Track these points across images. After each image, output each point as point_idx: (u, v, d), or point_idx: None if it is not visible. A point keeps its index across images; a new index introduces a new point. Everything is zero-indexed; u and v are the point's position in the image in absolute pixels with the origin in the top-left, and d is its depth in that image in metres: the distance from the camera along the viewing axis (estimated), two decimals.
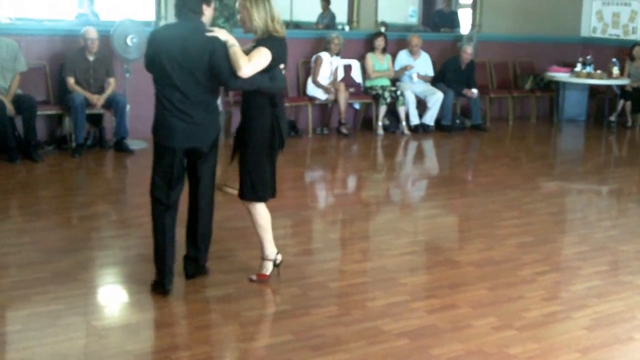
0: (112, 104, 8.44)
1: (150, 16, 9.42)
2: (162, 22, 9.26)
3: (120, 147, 8.47)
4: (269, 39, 4.46)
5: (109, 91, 8.46)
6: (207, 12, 4.48)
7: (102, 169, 8.25)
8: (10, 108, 7.82)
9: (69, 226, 6.02)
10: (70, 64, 8.38)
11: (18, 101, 7.93)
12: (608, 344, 4.16)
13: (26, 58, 8.19)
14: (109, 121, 8.65)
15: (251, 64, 4.32)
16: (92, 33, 8.40)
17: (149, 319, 4.35)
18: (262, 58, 4.38)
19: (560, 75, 11.43)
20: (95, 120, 8.65)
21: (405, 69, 10.68)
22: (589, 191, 8.06)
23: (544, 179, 8.32)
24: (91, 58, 8.45)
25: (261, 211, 4.71)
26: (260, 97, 4.51)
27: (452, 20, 12.31)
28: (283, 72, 4.62)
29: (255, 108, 4.55)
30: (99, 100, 8.33)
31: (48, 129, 8.63)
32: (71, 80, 8.34)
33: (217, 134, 4.63)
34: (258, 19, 4.45)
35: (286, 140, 4.74)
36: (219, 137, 4.73)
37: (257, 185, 4.61)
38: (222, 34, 4.40)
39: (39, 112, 8.07)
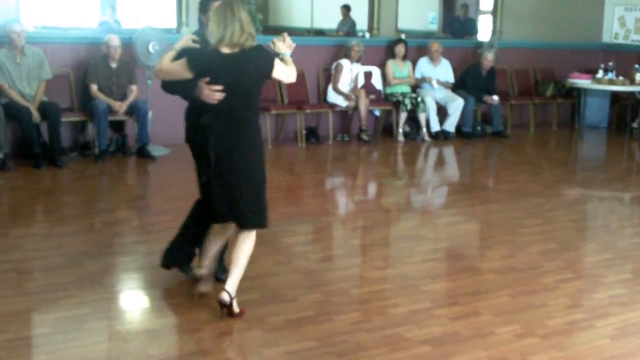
0: (134, 110, 8.51)
1: (172, 23, 9.48)
2: (184, 29, 9.33)
3: (143, 154, 8.53)
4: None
5: (131, 98, 8.54)
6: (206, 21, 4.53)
7: (125, 175, 8.32)
8: (36, 115, 7.91)
9: (93, 231, 6.07)
10: (93, 70, 8.47)
11: (43, 108, 8.02)
12: (633, 354, 4.13)
13: (51, 66, 8.28)
14: (132, 128, 8.72)
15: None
16: (115, 41, 8.49)
17: (171, 324, 4.38)
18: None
19: (582, 81, 11.37)
20: (118, 126, 8.73)
21: (425, 79, 10.69)
22: (611, 198, 8.01)
23: (566, 186, 8.29)
24: (114, 65, 8.52)
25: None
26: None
27: (469, 27, 12.31)
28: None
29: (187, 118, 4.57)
30: (121, 107, 8.40)
31: (72, 135, 8.71)
32: (94, 87, 8.42)
33: None
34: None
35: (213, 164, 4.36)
36: None
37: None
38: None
39: (63, 119, 8.15)
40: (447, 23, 13.84)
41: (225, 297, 4.32)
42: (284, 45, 4.52)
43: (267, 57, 4.37)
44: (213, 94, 4.27)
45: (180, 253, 4.89)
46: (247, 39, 4.27)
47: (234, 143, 4.32)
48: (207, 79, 4.26)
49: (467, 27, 12.35)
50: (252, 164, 4.41)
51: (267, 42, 4.67)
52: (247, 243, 4.41)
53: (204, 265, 4.57)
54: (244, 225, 4.40)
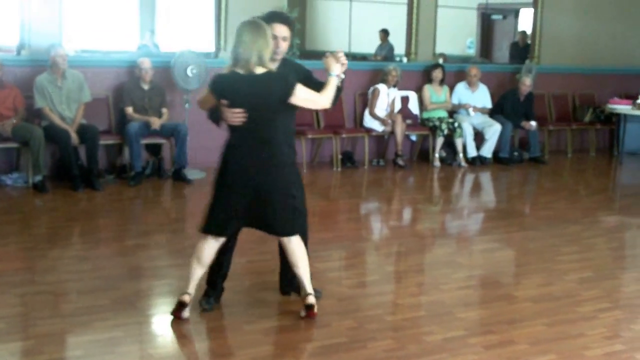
0: (173, 132, 8.59)
1: (210, 47, 9.57)
2: (222, 53, 9.41)
3: (179, 177, 8.58)
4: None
5: (163, 119, 8.63)
6: None
7: (161, 199, 8.38)
8: (74, 137, 8.02)
9: (128, 254, 6.10)
10: (127, 93, 8.60)
11: (82, 131, 8.13)
12: None
13: (90, 89, 8.41)
14: (168, 151, 8.79)
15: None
16: (146, 63, 8.64)
17: (204, 349, 4.38)
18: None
19: (622, 107, 11.25)
20: (155, 149, 8.81)
21: (462, 106, 10.66)
22: None
23: (604, 213, 8.16)
24: (146, 87, 8.66)
25: (200, 242, 4.63)
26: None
27: (527, 54, 12.18)
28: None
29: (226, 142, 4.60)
30: (156, 122, 8.47)
31: (109, 158, 8.82)
32: (129, 109, 8.55)
33: None
34: None
35: (250, 183, 4.46)
36: None
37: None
38: None
39: (100, 142, 8.25)
40: (510, 49, 13.82)
41: (311, 299, 4.56)
42: (336, 63, 4.55)
43: (280, 84, 4.39)
44: (234, 116, 4.33)
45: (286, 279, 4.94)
46: (255, 63, 4.31)
47: (262, 164, 4.42)
48: (226, 102, 4.35)
49: (526, 53, 12.25)
50: (286, 185, 4.53)
51: (308, 66, 4.69)
52: (291, 246, 4.57)
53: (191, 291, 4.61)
54: (273, 233, 4.59)
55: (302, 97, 4.43)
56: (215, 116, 4.55)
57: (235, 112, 4.33)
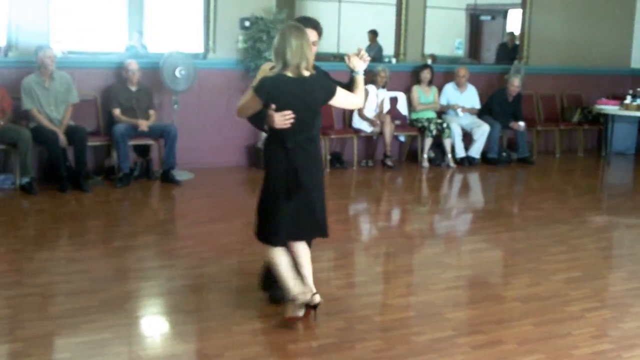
0: (162, 133, 8.58)
1: (199, 48, 9.55)
2: (211, 54, 9.41)
3: (167, 178, 8.57)
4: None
5: (151, 120, 8.62)
6: None
7: (149, 200, 8.36)
8: (62, 139, 7.99)
9: (116, 256, 6.09)
10: (114, 95, 8.60)
11: (70, 132, 8.10)
12: None
13: (78, 90, 8.38)
14: (156, 152, 8.77)
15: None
16: (133, 65, 8.64)
17: (193, 350, 4.37)
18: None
19: (610, 107, 11.29)
20: (143, 151, 8.79)
21: (450, 107, 10.68)
22: (639, 226, 7.91)
23: (592, 213, 8.20)
24: (133, 89, 8.66)
25: (273, 254, 4.62)
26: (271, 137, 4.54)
27: (516, 55, 12.20)
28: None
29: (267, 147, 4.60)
30: (143, 124, 8.46)
31: (98, 159, 8.79)
32: (117, 111, 8.54)
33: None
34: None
35: (303, 183, 4.50)
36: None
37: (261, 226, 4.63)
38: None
39: (88, 143, 8.23)
40: (497, 49, 13.83)
41: (317, 297, 4.58)
42: (359, 61, 4.67)
43: (324, 86, 4.54)
44: (284, 119, 4.36)
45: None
46: (304, 67, 4.41)
47: (309, 163, 4.53)
48: (274, 106, 4.37)
49: (515, 54, 12.28)
50: (320, 182, 4.66)
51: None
52: (307, 250, 4.66)
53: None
54: (317, 235, 4.68)
55: (341, 98, 4.59)
56: (260, 121, 4.54)
57: (285, 115, 4.37)
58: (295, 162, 4.46)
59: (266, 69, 4.65)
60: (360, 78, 4.70)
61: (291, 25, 4.52)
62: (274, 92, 4.39)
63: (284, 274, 4.57)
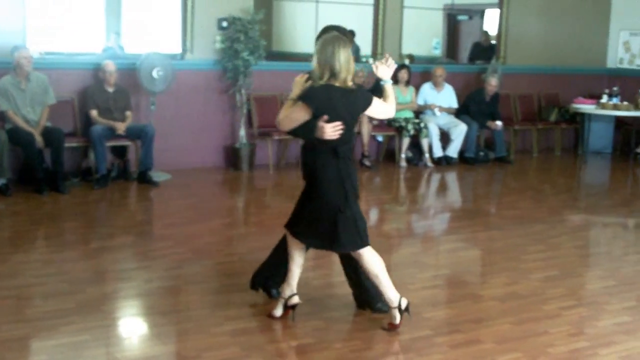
0: (140, 134, 8.53)
1: (176, 49, 9.52)
2: (188, 55, 9.38)
3: (144, 179, 8.53)
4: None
5: (127, 122, 8.57)
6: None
7: (127, 201, 8.31)
8: (39, 140, 7.94)
9: (94, 257, 6.05)
10: (90, 96, 8.55)
11: (47, 133, 8.04)
12: None
13: (55, 91, 8.32)
14: (133, 153, 8.73)
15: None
16: (110, 66, 8.59)
17: (171, 351, 4.35)
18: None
19: (586, 107, 11.38)
20: (120, 152, 8.75)
21: (427, 107, 10.72)
22: (616, 224, 7.98)
23: (570, 212, 8.25)
24: (110, 90, 8.61)
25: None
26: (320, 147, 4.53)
27: (491, 54, 12.26)
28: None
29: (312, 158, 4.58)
30: (120, 126, 8.42)
31: (75, 161, 8.73)
32: (94, 112, 8.48)
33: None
34: None
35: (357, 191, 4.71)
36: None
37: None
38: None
39: (65, 144, 8.17)
40: (472, 48, 13.82)
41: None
42: (387, 69, 4.69)
43: (364, 97, 4.57)
44: (334, 129, 4.38)
45: (270, 275, 4.97)
46: (350, 78, 4.45)
47: (348, 172, 4.55)
48: (326, 117, 4.37)
49: (489, 53, 12.33)
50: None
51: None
52: (363, 262, 4.67)
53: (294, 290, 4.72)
54: (347, 250, 4.70)
55: (377, 107, 4.63)
56: (309, 132, 4.46)
57: (336, 126, 4.38)
58: (344, 170, 4.51)
59: (301, 81, 4.56)
60: (389, 87, 4.71)
61: (336, 36, 4.51)
62: (325, 102, 4.39)
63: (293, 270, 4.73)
